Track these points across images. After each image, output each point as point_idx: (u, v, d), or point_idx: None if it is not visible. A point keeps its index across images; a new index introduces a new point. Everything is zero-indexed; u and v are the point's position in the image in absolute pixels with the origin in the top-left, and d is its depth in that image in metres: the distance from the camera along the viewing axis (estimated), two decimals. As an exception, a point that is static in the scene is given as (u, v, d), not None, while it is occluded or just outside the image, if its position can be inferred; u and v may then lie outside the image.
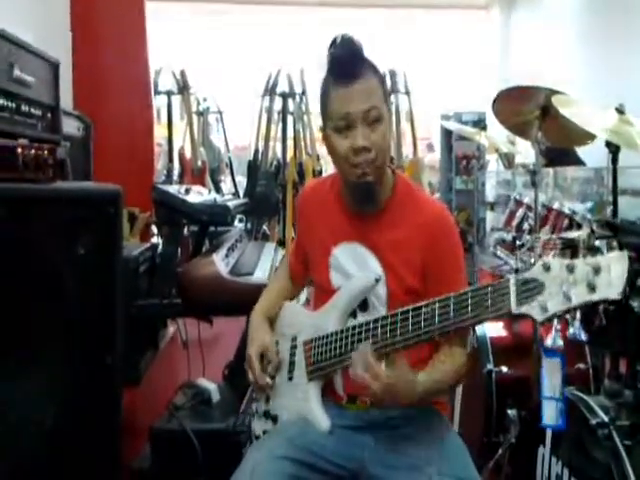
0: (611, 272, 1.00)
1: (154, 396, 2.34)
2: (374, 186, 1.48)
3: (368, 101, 1.42)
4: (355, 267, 1.52)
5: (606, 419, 1.44)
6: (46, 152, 1.58)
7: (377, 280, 1.43)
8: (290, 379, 1.55)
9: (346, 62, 1.44)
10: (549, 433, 1.65)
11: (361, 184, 1.45)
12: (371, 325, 1.34)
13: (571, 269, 1.03)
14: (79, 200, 1.56)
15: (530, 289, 1.07)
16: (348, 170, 1.45)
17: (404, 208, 1.52)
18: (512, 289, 1.09)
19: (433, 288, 1.44)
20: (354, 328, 1.39)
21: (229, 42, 8.84)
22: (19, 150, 1.49)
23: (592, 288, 1.01)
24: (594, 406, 1.48)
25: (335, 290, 1.54)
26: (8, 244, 1.45)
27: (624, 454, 1.37)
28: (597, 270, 1.00)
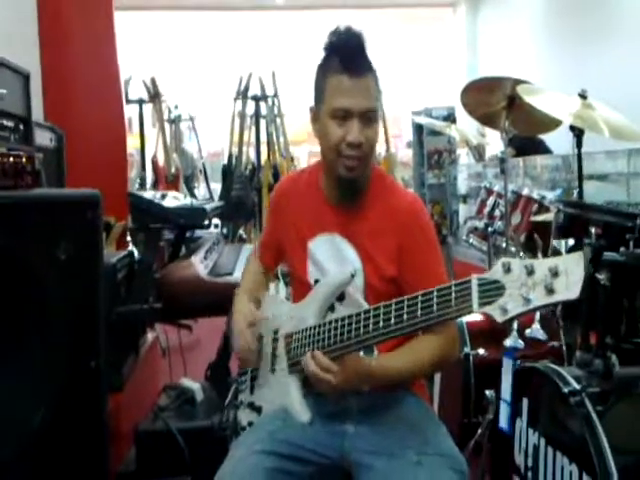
0: (569, 275, 1.02)
1: (137, 401, 2.35)
2: (358, 182, 1.50)
3: (369, 100, 1.44)
4: (332, 258, 1.54)
5: (578, 387, 1.49)
6: (24, 160, 1.60)
7: (353, 276, 1.44)
8: (273, 371, 1.56)
9: (353, 55, 1.45)
10: (525, 405, 1.70)
11: (347, 178, 1.47)
12: (346, 321, 1.35)
13: (530, 271, 1.05)
14: (58, 205, 1.57)
15: (491, 290, 1.09)
16: (335, 160, 1.46)
17: (380, 198, 1.54)
18: (474, 289, 1.11)
19: (409, 274, 1.48)
20: (330, 323, 1.39)
21: (199, 48, 8.83)
22: (-3, 158, 1.52)
23: (550, 290, 1.03)
24: (566, 376, 1.53)
25: (312, 281, 1.56)
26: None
27: (596, 419, 1.42)
28: (555, 273, 1.03)
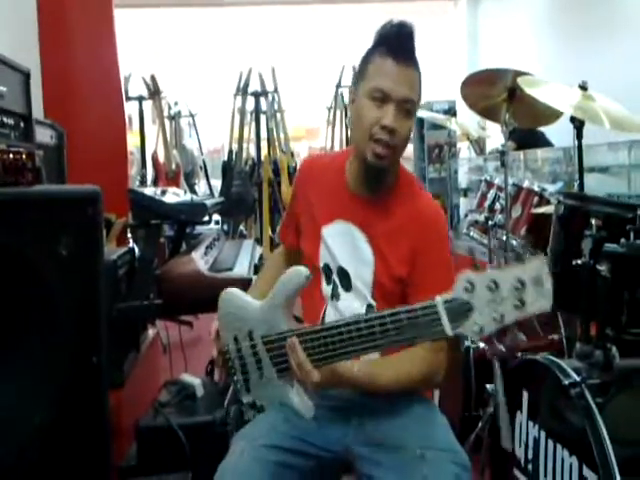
0: (536, 284, 0.99)
1: (138, 397, 2.35)
2: (384, 171, 1.48)
3: (410, 91, 1.42)
4: (345, 247, 1.52)
5: (578, 378, 1.49)
6: (25, 156, 1.60)
7: (307, 278, 1.33)
8: (261, 377, 1.47)
9: (403, 43, 1.44)
10: (525, 398, 1.71)
11: (374, 165, 1.45)
12: (326, 333, 1.28)
13: (495, 286, 1.02)
14: (59, 202, 1.57)
15: (460, 310, 1.07)
16: (366, 143, 1.44)
17: (402, 199, 1.52)
18: (442, 313, 1.09)
19: (418, 279, 1.47)
20: (312, 333, 1.31)
21: (198, 45, 8.82)
22: (-1, 155, 1.52)
23: (521, 303, 1.00)
24: (566, 368, 1.54)
25: (321, 265, 1.55)
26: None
27: (596, 411, 1.43)
28: (522, 283, 1.00)
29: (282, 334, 1.36)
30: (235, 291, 1.50)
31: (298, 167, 1.73)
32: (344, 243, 1.52)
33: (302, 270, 1.34)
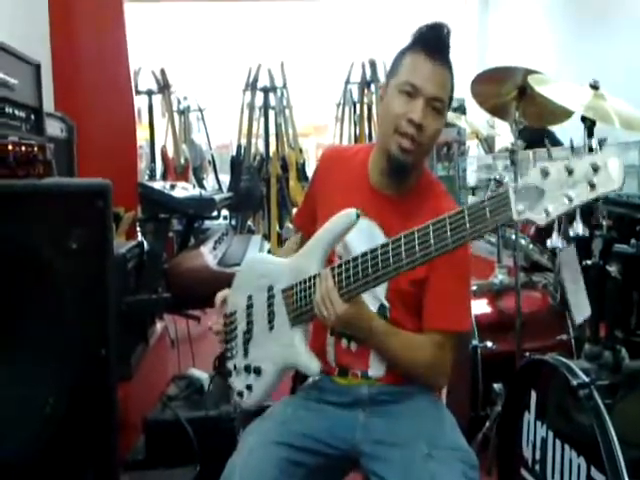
0: (609, 168, 1.00)
1: (146, 390, 2.36)
2: (408, 167, 1.46)
3: (440, 89, 1.42)
4: (362, 242, 1.46)
5: (587, 380, 1.49)
6: (36, 149, 1.60)
7: (358, 216, 1.34)
8: (270, 329, 1.50)
9: (440, 42, 1.44)
10: (533, 398, 1.70)
11: (398, 159, 1.43)
12: (350, 264, 1.31)
13: (570, 171, 1.04)
14: (70, 194, 1.57)
15: (530, 195, 1.07)
16: (391, 136, 1.43)
17: (425, 201, 1.51)
18: (512, 197, 1.09)
19: (437, 284, 1.46)
20: (340, 267, 1.34)
21: (208, 39, 8.81)
22: (10, 147, 1.52)
23: (592, 186, 1.01)
24: (575, 368, 1.53)
25: (336, 258, 1.50)
26: (1, 239, 1.47)
27: (605, 412, 1.42)
28: (595, 169, 1.01)
29: (307, 279, 1.40)
30: (263, 254, 1.60)
31: (321, 154, 1.70)
32: (362, 240, 1.47)
33: (352, 210, 1.35)
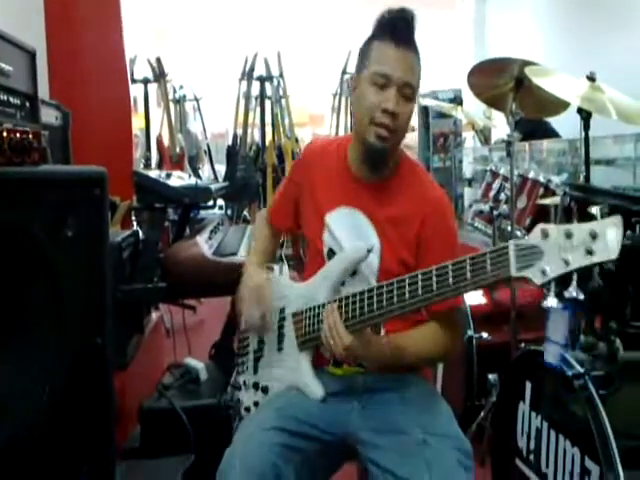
0: (607, 236, 1.04)
1: (141, 380, 2.36)
2: (386, 153, 1.49)
3: (411, 75, 1.44)
4: (350, 232, 1.53)
5: (581, 370, 1.50)
6: (31, 136, 1.59)
7: (369, 251, 1.44)
8: (279, 350, 1.57)
9: (402, 28, 1.45)
10: (528, 389, 1.71)
11: (377, 147, 1.46)
12: (366, 295, 1.36)
13: (569, 235, 1.07)
14: (65, 182, 1.55)
15: (529, 254, 1.11)
16: (367, 127, 1.45)
17: (406, 184, 1.53)
18: (512, 254, 1.13)
19: (425, 261, 1.46)
20: (347, 298, 1.40)
21: (204, 28, 8.78)
22: (4, 134, 1.50)
23: (589, 252, 1.05)
24: (570, 359, 1.54)
25: (325, 250, 1.56)
26: (-4, 227, 1.46)
27: (599, 403, 1.43)
28: (594, 236, 1.05)
29: (315, 307, 1.46)
30: (283, 276, 1.67)
31: (304, 149, 1.73)
32: (349, 228, 1.53)
33: (363, 245, 1.44)
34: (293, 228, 1.74)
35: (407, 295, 1.28)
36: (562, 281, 1.12)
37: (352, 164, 1.56)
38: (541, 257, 1.10)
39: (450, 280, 1.22)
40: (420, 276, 1.27)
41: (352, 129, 1.59)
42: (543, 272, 1.09)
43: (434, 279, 1.24)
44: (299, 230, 1.72)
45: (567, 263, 1.07)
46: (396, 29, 1.44)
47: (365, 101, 1.45)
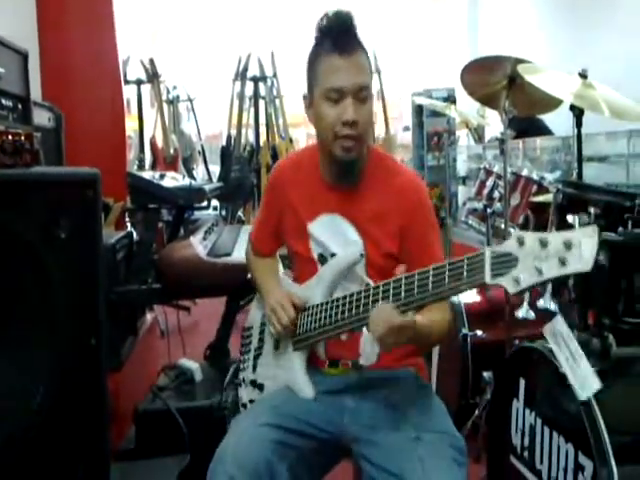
0: (582, 247, 1.04)
1: (136, 381, 2.36)
2: (355, 162, 1.51)
3: (361, 76, 1.44)
4: (334, 237, 1.56)
5: (575, 366, 1.50)
6: (23, 138, 1.59)
7: (362, 255, 1.48)
8: (276, 349, 1.60)
9: (342, 34, 1.45)
10: (522, 386, 1.72)
11: (344, 159, 1.48)
12: (354, 297, 1.39)
13: (544, 244, 1.07)
14: (58, 183, 1.56)
15: (504, 262, 1.12)
16: (332, 142, 1.47)
17: (379, 179, 1.56)
18: (487, 262, 1.14)
19: (409, 253, 1.52)
20: (337, 300, 1.44)
21: (197, 28, 8.76)
22: (-4, 136, 1.50)
23: (563, 262, 1.05)
24: (563, 356, 1.54)
25: (316, 259, 1.58)
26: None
27: (593, 399, 1.44)
28: (569, 245, 1.05)
29: (310, 307, 1.50)
30: (284, 276, 1.70)
31: (271, 173, 1.74)
32: (332, 233, 1.56)
33: (356, 249, 1.49)
34: (278, 249, 1.77)
35: (391, 299, 1.31)
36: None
37: (323, 172, 1.58)
38: (515, 265, 1.10)
39: (430, 286, 1.24)
40: (404, 280, 1.29)
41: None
42: (517, 281, 1.10)
43: (415, 284, 1.27)
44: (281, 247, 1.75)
45: (540, 272, 1.07)
46: (337, 38, 1.45)
47: (324, 119, 1.46)
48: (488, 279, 1.13)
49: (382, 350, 1.44)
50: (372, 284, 1.49)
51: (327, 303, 1.46)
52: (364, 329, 1.48)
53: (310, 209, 1.59)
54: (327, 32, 1.47)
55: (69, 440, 1.57)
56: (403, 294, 1.29)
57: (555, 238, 1.07)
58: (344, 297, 1.43)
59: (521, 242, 1.10)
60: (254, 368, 1.66)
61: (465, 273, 1.18)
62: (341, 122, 1.43)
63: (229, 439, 1.43)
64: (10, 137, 1.55)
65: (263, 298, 1.65)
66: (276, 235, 1.71)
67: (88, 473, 1.57)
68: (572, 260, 1.04)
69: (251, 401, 1.63)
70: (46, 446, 1.54)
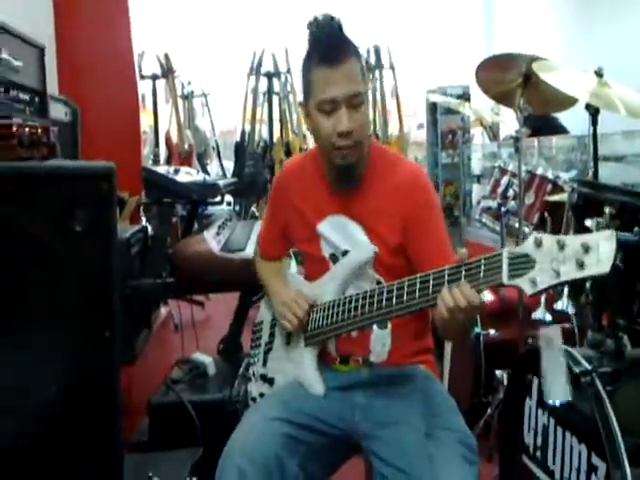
0: (599, 250, 1.03)
1: (149, 375, 2.37)
2: (356, 166, 1.52)
3: (353, 85, 1.45)
4: (343, 238, 1.57)
5: (589, 367, 1.49)
6: (40, 131, 1.60)
7: (375, 253, 1.48)
8: (287, 344, 1.61)
9: (330, 44, 1.47)
10: (535, 385, 1.71)
11: (344, 165, 1.50)
12: (368, 294, 1.40)
13: (562, 246, 1.07)
14: (74, 177, 1.56)
15: (522, 263, 1.12)
16: (331, 151, 1.49)
17: (381, 176, 1.57)
18: (505, 262, 1.14)
19: (416, 245, 1.52)
20: (350, 296, 1.45)
21: (212, 24, 8.76)
22: (14, 129, 1.51)
23: (581, 265, 1.05)
24: (577, 356, 1.54)
25: (327, 258, 1.59)
26: (5, 222, 1.47)
27: (606, 399, 1.43)
28: (587, 248, 1.04)
29: (323, 304, 1.51)
30: (295, 274, 1.72)
31: (279, 173, 1.77)
32: (341, 233, 1.58)
33: (369, 247, 1.50)
34: (285, 253, 1.78)
35: (405, 297, 1.31)
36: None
37: (327, 175, 1.59)
38: (533, 266, 1.10)
39: (446, 285, 1.23)
40: (419, 279, 1.29)
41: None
42: (534, 282, 1.10)
43: (431, 283, 1.26)
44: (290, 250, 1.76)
45: (558, 274, 1.08)
46: (325, 49, 1.46)
47: (321, 130, 1.48)
48: (506, 280, 1.13)
49: (450, 331, 1.39)
50: (384, 282, 1.50)
51: (340, 300, 1.47)
52: (374, 326, 1.49)
53: (318, 210, 1.60)
54: (316, 43, 1.49)
55: (83, 432, 1.58)
56: (417, 293, 1.29)
57: (573, 240, 1.07)
58: (357, 294, 1.43)
59: (539, 244, 1.10)
60: (264, 362, 1.68)
61: (482, 273, 1.17)
62: (337, 133, 1.45)
63: (238, 433, 1.44)
64: (27, 130, 1.56)
65: (271, 300, 1.67)
66: (284, 238, 1.72)
67: (102, 464, 1.58)
68: (590, 263, 1.04)
69: (261, 395, 1.64)
70: (60, 438, 1.55)
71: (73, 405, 1.55)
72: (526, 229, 2.64)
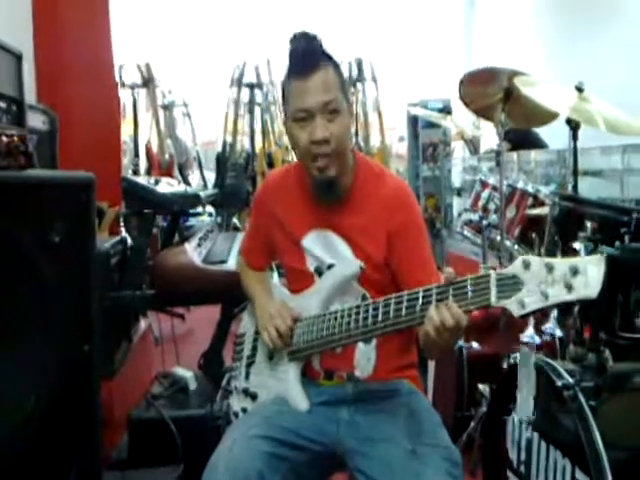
0: (588, 274, 1.04)
1: (129, 389, 2.34)
2: (336, 179, 1.50)
3: (326, 93, 1.44)
4: (326, 252, 1.56)
5: (571, 381, 1.49)
6: (17, 139, 1.57)
7: (361, 268, 1.46)
8: (270, 359, 1.58)
9: (302, 56, 1.47)
10: (520, 400, 1.70)
11: (322, 179, 1.49)
12: (353, 310, 1.38)
13: (550, 268, 1.07)
14: (52, 187, 1.54)
15: (509, 285, 1.12)
16: (310, 164, 1.48)
17: (366, 189, 1.56)
18: (493, 283, 1.13)
19: (399, 260, 1.51)
20: (335, 312, 1.43)
21: (194, 34, 8.76)
22: (-11, 138, 1.49)
23: (569, 288, 1.05)
24: (560, 370, 1.54)
25: (312, 271, 1.57)
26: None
27: (589, 414, 1.42)
28: (575, 271, 1.05)
29: (307, 318, 1.49)
30: (278, 285, 1.70)
31: (260, 187, 1.75)
32: (325, 248, 1.56)
33: (355, 262, 1.48)
34: (268, 265, 1.78)
35: (391, 315, 1.30)
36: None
37: (310, 189, 1.58)
38: (521, 288, 1.10)
39: (434, 304, 1.22)
40: (406, 297, 1.28)
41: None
42: (522, 304, 1.10)
43: (420, 301, 1.25)
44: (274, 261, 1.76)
45: (546, 297, 1.07)
46: (298, 61, 1.47)
47: (297, 141, 1.47)
48: (494, 301, 1.13)
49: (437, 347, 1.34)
50: (369, 297, 1.49)
51: (325, 315, 1.45)
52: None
53: (302, 224, 1.59)
54: (291, 56, 1.49)
55: (61, 448, 1.55)
56: (404, 311, 1.27)
57: (561, 264, 1.07)
58: (342, 310, 1.42)
59: (527, 265, 1.10)
60: (247, 376, 1.65)
61: (470, 294, 1.17)
62: (312, 142, 1.44)
63: (221, 450, 1.42)
64: (4, 139, 1.53)
65: (256, 310, 1.65)
66: (266, 250, 1.71)
67: (80, 482, 1.54)
68: (578, 286, 1.04)
69: (243, 409, 1.61)
70: (37, 454, 1.52)
71: (51, 421, 1.52)
72: (507, 242, 2.65)
